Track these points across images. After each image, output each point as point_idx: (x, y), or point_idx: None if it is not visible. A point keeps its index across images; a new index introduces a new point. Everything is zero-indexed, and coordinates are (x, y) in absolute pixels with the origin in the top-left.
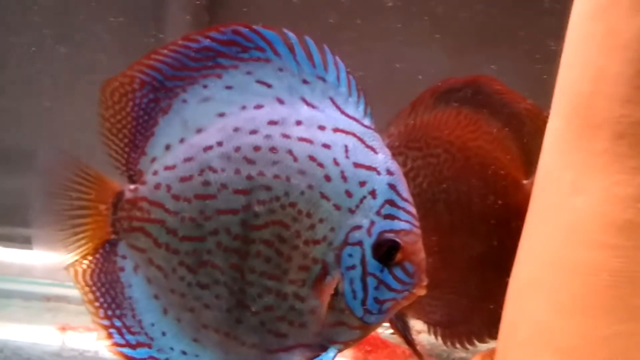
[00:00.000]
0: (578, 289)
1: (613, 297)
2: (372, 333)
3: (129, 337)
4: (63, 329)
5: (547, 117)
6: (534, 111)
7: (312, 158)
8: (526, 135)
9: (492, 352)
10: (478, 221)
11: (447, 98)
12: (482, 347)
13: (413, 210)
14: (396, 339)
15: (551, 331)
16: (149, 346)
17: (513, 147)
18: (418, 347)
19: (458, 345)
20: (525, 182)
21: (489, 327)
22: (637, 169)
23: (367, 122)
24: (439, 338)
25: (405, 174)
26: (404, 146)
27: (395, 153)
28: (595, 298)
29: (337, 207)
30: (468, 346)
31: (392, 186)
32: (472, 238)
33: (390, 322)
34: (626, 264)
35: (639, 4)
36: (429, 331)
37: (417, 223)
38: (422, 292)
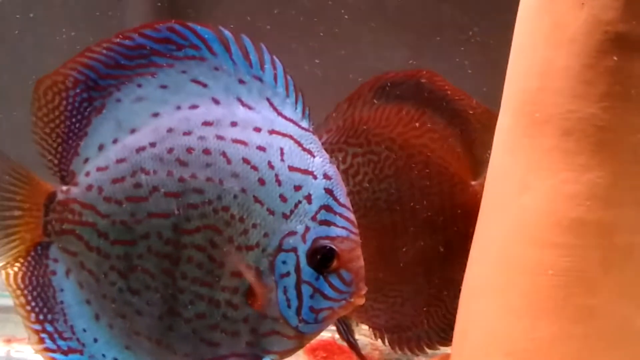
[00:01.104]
0: (527, 290)
1: (562, 297)
2: (328, 339)
3: (60, 342)
4: (9, 340)
5: (493, 116)
6: (480, 110)
7: (246, 161)
8: (472, 135)
9: (448, 356)
10: (422, 222)
11: (387, 93)
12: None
13: (351, 216)
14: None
15: (501, 334)
16: (81, 352)
17: (459, 147)
18: (376, 352)
19: (407, 352)
20: (473, 183)
21: (439, 332)
22: (585, 165)
23: (304, 124)
24: (387, 343)
25: (345, 171)
26: (343, 142)
27: (335, 149)
28: (544, 299)
29: (271, 212)
30: (418, 352)
31: (328, 191)
32: (416, 239)
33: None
34: (574, 263)
35: None
36: (374, 336)
37: (355, 230)
38: (360, 301)
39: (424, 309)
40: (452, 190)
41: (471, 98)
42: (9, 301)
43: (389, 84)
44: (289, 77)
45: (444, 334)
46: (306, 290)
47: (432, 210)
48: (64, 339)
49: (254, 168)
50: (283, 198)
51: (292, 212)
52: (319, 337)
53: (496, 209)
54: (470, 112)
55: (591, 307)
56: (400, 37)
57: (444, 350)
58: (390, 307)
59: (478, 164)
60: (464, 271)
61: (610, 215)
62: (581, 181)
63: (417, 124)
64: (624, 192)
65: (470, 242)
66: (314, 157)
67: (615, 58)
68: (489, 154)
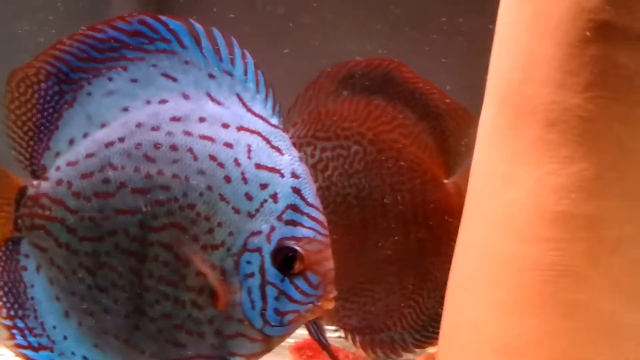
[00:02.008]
0: (513, 285)
1: (548, 292)
2: (310, 338)
3: (31, 339)
4: None
5: (465, 112)
6: (452, 105)
7: (212, 157)
8: (445, 131)
9: (432, 356)
10: (394, 219)
11: (353, 84)
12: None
13: (320, 216)
14: (342, 343)
15: (489, 329)
16: (51, 349)
17: (431, 144)
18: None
19: (381, 354)
20: (446, 181)
21: (413, 333)
22: (570, 157)
23: (274, 121)
24: (359, 345)
25: (314, 166)
26: (311, 136)
27: (303, 143)
28: (531, 294)
29: (237, 211)
30: (392, 355)
31: (296, 190)
32: (387, 236)
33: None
34: (561, 257)
35: None
36: (345, 337)
37: (323, 231)
38: (329, 305)
39: (398, 309)
40: (424, 187)
41: (442, 92)
42: None
43: (353, 75)
44: (259, 73)
45: (419, 336)
46: (271, 292)
47: (403, 207)
48: (35, 336)
49: (221, 165)
50: (249, 196)
51: (257, 211)
52: (305, 336)
53: (481, 203)
54: (442, 107)
55: (578, 302)
56: (376, 26)
57: (427, 350)
58: (361, 307)
59: (451, 161)
60: (437, 271)
61: (596, 207)
62: (566, 173)
63: (387, 118)
64: (610, 184)
65: (445, 241)
66: (282, 154)
67: (599, 47)
68: (463, 152)
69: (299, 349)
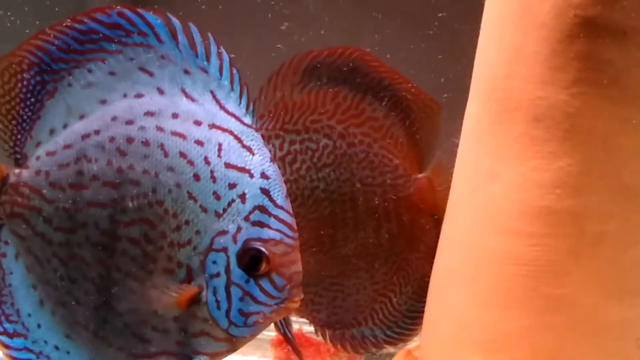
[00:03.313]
0: (495, 280)
1: (530, 287)
2: (295, 331)
3: (6, 325)
4: None
5: (435, 104)
6: (421, 96)
7: (182, 155)
8: (415, 124)
9: (409, 352)
10: (363, 213)
11: (318, 75)
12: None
13: (288, 219)
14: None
15: (470, 324)
16: (25, 337)
17: (402, 137)
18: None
19: (350, 350)
20: (419, 176)
21: (385, 329)
22: (554, 153)
23: (247, 120)
24: (329, 340)
25: (282, 158)
26: (280, 128)
27: (272, 136)
28: (513, 289)
29: (204, 209)
30: (362, 351)
31: (265, 191)
32: (356, 231)
33: None
34: (543, 253)
35: None
36: (315, 332)
37: (291, 233)
38: (294, 306)
39: (368, 305)
40: (395, 182)
41: (410, 82)
42: None
43: (317, 65)
44: (234, 70)
45: (391, 332)
46: (235, 292)
47: (374, 202)
48: (10, 322)
49: (190, 163)
50: (217, 195)
51: (225, 210)
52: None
53: (465, 197)
54: (411, 97)
55: (560, 297)
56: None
57: (407, 346)
58: (331, 301)
59: (422, 155)
60: (410, 267)
61: (579, 203)
62: (551, 169)
63: (356, 111)
64: (594, 180)
65: (417, 237)
66: (253, 154)
67: (585, 43)
68: (433, 145)
69: (280, 342)
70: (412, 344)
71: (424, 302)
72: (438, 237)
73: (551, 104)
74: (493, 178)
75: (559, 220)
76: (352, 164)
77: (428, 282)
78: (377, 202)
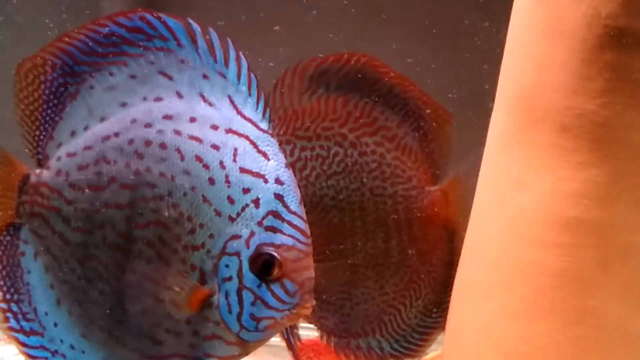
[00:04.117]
0: (522, 290)
1: (558, 298)
2: (315, 339)
3: (23, 323)
4: None
5: (445, 112)
6: (432, 105)
7: (198, 158)
8: (429, 135)
9: (439, 357)
10: (373, 224)
11: (326, 82)
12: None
13: (302, 224)
14: None
15: (496, 335)
16: (42, 335)
17: (415, 148)
18: None
19: (353, 359)
20: (432, 188)
21: (392, 342)
22: (583, 163)
23: (264, 125)
24: (333, 347)
25: (292, 164)
26: (291, 134)
27: (283, 141)
28: (540, 299)
29: (218, 213)
30: None
31: (278, 197)
32: (365, 241)
33: None
34: (571, 263)
35: None
36: (321, 338)
37: (304, 239)
38: (306, 312)
39: (377, 316)
40: (408, 194)
41: (421, 90)
42: None
43: (324, 72)
44: (252, 76)
45: (398, 346)
46: (247, 296)
47: (384, 213)
48: (27, 320)
49: (206, 166)
50: (231, 200)
51: (238, 215)
52: (305, 337)
53: (491, 207)
54: (423, 107)
55: (588, 308)
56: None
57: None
58: (338, 309)
59: (436, 167)
60: (421, 281)
61: (607, 214)
62: (579, 179)
63: (369, 120)
64: (622, 190)
65: (430, 251)
66: (268, 160)
67: (614, 53)
68: (447, 156)
69: (300, 350)
70: (430, 354)
71: (435, 317)
72: (452, 251)
73: (579, 113)
74: (520, 187)
75: (587, 231)
76: (362, 173)
77: (440, 297)
78: (387, 212)
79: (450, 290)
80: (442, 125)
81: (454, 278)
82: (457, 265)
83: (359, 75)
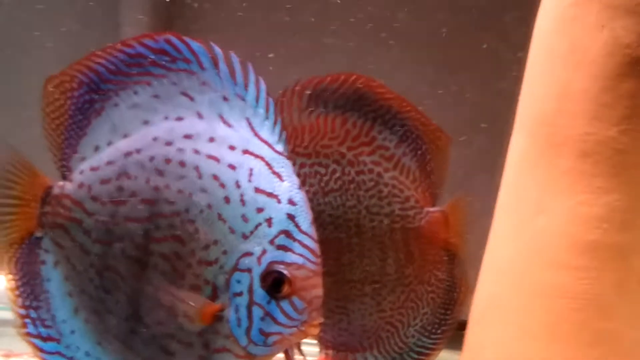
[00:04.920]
0: (542, 312)
1: (578, 321)
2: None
3: (41, 329)
4: (7, 355)
5: (443, 134)
6: (430, 127)
7: (215, 177)
8: (427, 156)
9: None
10: (369, 241)
11: (324, 101)
12: None
13: (312, 244)
14: None
15: (515, 356)
16: (58, 341)
17: (414, 168)
18: None
19: None
20: (431, 209)
21: (389, 359)
22: (603, 188)
23: (279, 147)
24: None
25: None
26: (291, 151)
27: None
28: (560, 322)
29: (232, 231)
30: None
31: (291, 217)
32: (362, 258)
33: None
34: (591, 286)
35: (604, 19)
36: (320, 351)
37: (314, 259)
38: (314, 329)
39: (374, 332)
40: (405, 214)
41: (420, 111)
42: (5, 314)
43: (322, 91)
44: (270, 99)
45: None
46: (257, 312)
47: (380, 231)
48: (45, 327)
49: (222, 185)
50: (245, 218)
51: (251, 233)
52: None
53: (510, 229)
54: (421, 128)
55: (607, 331)
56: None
57: None
58: (336, 323)
59: (435, 188)
60: (420, 300)
61: (627, 238)
62: (598, 204)
63: (367, 139)
64: None
65: (428, 270)
66: (282, 181)
67: (634, 81)
68: (445, 178)
69: None
70: None
71: (434, 339)
72: (452, 274)
73: (600, 139)
74: (540, 211)
75: (607, 255)
76: (359, 191)
77: (439, 319)
78: (384, 231)
79: (451, 314)
80: (441, 147)
81: (455, 301)
82: (458, 288)
83: (357, 95)
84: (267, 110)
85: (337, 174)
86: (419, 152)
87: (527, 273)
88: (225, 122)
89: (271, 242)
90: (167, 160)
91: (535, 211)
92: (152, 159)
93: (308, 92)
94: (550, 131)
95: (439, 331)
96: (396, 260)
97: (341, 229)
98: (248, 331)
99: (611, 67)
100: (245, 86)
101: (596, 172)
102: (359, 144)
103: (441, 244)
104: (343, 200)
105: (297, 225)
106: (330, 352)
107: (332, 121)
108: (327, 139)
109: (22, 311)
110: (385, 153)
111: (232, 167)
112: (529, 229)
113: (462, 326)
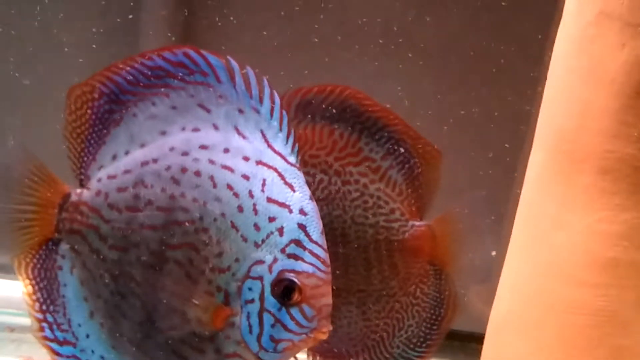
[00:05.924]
0: (559, 328)
1: (595, 337)
2: None
3: (57, 333)
4: None
5: (433, 148)
6: (419, 140)
7: (229, 187)
8: (414, 169)
9: None
10: (354, 250)
11: (311, 112)
12: None
13: (322, 254)
14: None
15: None
16: (74, 345)
17: (400, 181)
18: None
19: None
20: (417, 223)
21: None
22: (622, 205)
23: (292, 159)
24: None
25: None
26: None
27: None
28: (577, 337)
29: (244, 239)
30: None
31: (302, 226)
32: (346, 267)
33: None
34: (609, 303)
35: (625, 38)
36: (307, 356)
37: (324, 268)
38: (322, 336)
39: (360, 340)
40: (389, 226)
41: (408, 124)
42: (23, 320)
43: (308, 102)
44: (284, 112)
45: None
46: (268, 319)
47: (364, 242)
48: (61, 331)
49: (236, 195)
50: (257, 227)
51: (263, 241)
52: None
53: (528, 244)
54: (409, 142)
55: (623, 347)
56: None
57: None
58: None
59: (423, 203)
60: (405, 312)
61: None
62: (617, 221)
63: (354, 150)
64: None
65: (413, 283)
66: (294, 191)
67: None
68: (435, 193)
69: None
70: None
71: (419, 352)
72: (439, 289)
73: (619, 157)
74: (559, 227)
75: (625, 272)
76: (345, 201)
77: (425, 333)
78: (368, 241)
79: (437, 329)
80: (431, 162)
81: (442, 317)
82: (446, 303)
83: (343, 106)
84: (280, 123)
85: (324, 184)
86: (407, 165)
87: (544, 288)
88: (240, 134)
89: (282, 250)
90: (183, 170)
91: (554, 227)
92: (168, 168)
93: (296, 102)
94: (570, 148)
95: (424, 345)
96: (380, 270)
97: (327, 238)
98: (259, 337)
99: (631, 85)
100: (260, 100)
101: (615, 189)
102: (345, 155)
103: (426, 258)
104: (329, 209)
105: (307, 235)
106: (318, 359)
107: (320, 131)
108: (314, 149)
109: (39, 315)
110: (372, 165)
111: (246, 177)
112: (547, 245)
113: (451, 336)
